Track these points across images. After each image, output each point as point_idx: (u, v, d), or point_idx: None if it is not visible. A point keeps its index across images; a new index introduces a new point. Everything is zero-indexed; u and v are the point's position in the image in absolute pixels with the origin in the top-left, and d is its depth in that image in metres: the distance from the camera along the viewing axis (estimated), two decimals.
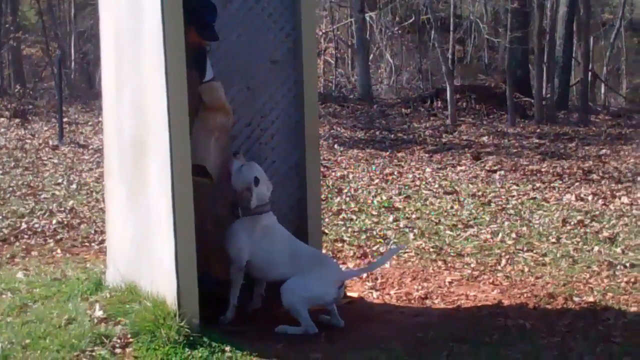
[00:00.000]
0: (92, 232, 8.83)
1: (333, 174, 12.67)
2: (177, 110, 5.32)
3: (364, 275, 7.14)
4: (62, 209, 9.91)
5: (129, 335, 5.33)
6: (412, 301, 6.63)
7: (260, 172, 5.91)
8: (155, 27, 5.34)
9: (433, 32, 19.79)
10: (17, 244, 8.35)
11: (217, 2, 6.03)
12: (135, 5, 5.69)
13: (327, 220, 9.32)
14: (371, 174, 12.77)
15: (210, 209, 6.02)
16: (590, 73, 21.15)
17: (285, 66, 6.35)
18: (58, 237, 8.66)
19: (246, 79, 6.31)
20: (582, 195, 10.92)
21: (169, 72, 5.30)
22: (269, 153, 6.38)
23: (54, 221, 9.23)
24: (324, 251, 6.94)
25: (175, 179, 5.32)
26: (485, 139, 16.97)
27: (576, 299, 6.55)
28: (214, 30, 5.86)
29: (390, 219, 9.58)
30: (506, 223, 9.35)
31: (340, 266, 7.09)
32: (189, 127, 5.45)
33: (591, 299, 6.53)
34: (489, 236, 8.72)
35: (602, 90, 23.76)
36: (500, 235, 8.73)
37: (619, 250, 8.10)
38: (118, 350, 5.22)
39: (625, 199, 10.60)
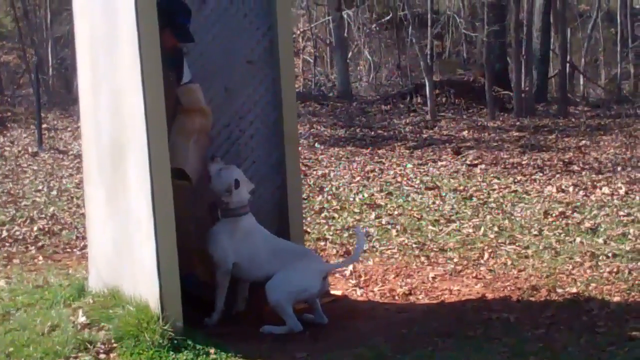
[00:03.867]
0: (74, 238, 8.79)
1: (314, 172, 12.66)
2: (154, 112, 5.30)
3: (347, 272, 7.15)
4: (43, 215, 9.86)
5: (112, 341, 5.32)
6: (396, 297, 6.64)
7: (240, 175, 5.90)
8: (130, 29, 5.32)
9: (410, 28, 19.76)
10: None
11: (191, 3, 6.03)
12: (109, 8, 5.66)
13: (309, 219, 9.31)
14: (352, 171, 12.76)
15: (190, 211, 6.00)
16: (568, 65, 21.21)
17: (263, 66, 6.35)
18: (39, 244, 8.62)
19: (223, 80, 6.30)
20: (563, 187, 10.94)
21: (145, 74, 5.28)
22: (249, 154, 6.37)
23: (35, 228, 9.19)
24: None
25: (154, 182, 5.31)
26: (465, 133, 16.99)
27: (559, 290, 6.56)
28: (189, 32, 5.85)
29: (373, 216, 9.58)
30: (488, 217, 9.36)
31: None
32: (167, 129, 5.44)
33: (574, 290, 6.55)
34: (471, 230, 8.73)
35: (581, 82, 23.81)
36: (482, 229, 8.74)
37: (600, 240, 8.12)
38: (102, 356, 5.20)
39: (606, 190, 10.63)
